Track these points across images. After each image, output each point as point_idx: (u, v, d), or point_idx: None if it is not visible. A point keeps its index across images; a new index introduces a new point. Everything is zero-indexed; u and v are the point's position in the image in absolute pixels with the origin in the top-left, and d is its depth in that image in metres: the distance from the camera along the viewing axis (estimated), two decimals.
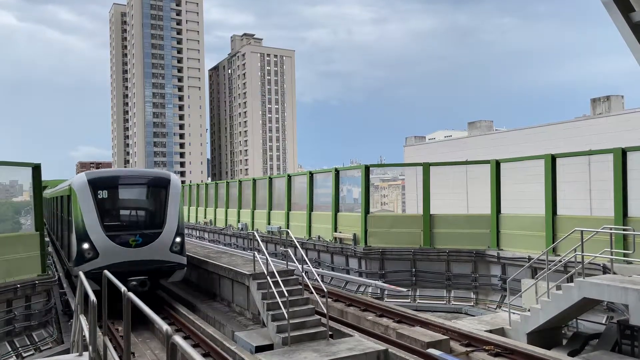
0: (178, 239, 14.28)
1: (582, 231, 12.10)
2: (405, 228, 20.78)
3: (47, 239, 19.18)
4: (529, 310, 12.76)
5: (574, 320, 13.26)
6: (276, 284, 10.74)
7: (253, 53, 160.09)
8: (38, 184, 15.82)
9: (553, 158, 17.20)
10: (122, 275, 11.35)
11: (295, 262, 13.46)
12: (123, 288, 5.26)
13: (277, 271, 11.04)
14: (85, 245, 13.26)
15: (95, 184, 13.77)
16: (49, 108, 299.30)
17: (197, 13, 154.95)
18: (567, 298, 11.50)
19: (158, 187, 14.70)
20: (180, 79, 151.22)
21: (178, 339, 3.25)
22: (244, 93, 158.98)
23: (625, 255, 13.63)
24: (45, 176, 17.24)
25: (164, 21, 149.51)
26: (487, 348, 10.71)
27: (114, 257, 13.37)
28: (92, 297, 5.82)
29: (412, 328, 12.22)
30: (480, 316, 15.14)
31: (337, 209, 23.60)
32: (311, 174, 26.21)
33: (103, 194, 13.77)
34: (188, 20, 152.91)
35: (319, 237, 24.26)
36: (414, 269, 19.79)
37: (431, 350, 10.46)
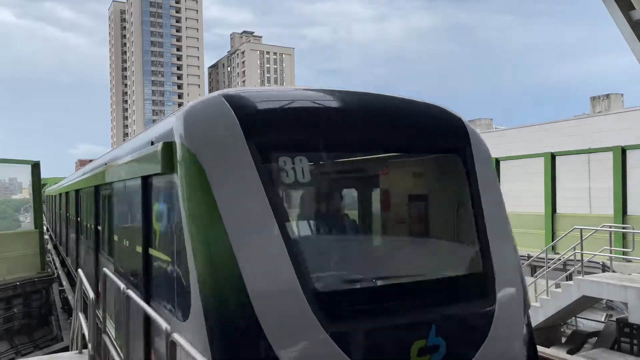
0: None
1: (581, 229, 12.12)
2: None
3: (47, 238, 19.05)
4: None
5: (573, 318, 13.27)
6: None
7: (252, 51, 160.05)
8: (37, 182, 15.86)
9: (553, 156, 17.20)
10: None
11: None
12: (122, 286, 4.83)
13: None
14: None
15: (262, 132, 3.53)
16: (48, 105, 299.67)
17: (197, 11, 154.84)
18: (566, 296, 11.50)
19: (446, 150, 4.49)
20: (179, 77, 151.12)
21: (177, 337, 3.24)
22: None
23: (624, 253, 13.65)
24: (44, 174, 17.27)
25: (163, 19, 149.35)
26: None
27: None
28: (91, 294, 5.80)
29: None
30: None
31: None
32: None
33: (294, 169, 3.53)
34: (187, 18, 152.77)
35: None
36: None
37: None
